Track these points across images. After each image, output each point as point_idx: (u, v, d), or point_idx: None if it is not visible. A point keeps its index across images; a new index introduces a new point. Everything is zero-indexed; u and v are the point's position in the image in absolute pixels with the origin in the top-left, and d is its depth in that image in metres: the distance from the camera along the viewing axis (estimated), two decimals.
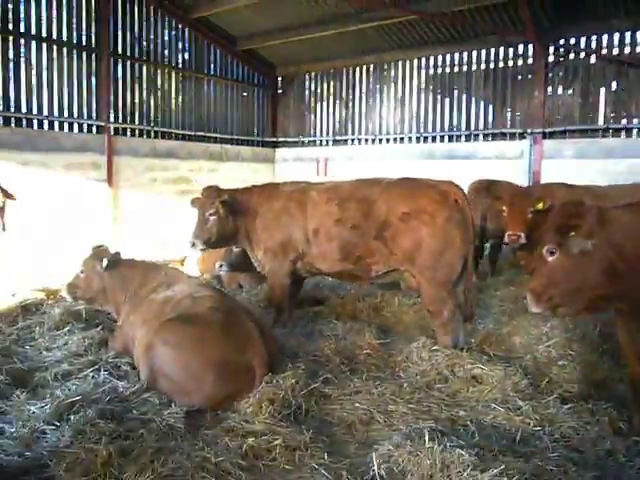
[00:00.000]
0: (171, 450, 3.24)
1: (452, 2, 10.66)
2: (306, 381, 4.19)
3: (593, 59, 10.79)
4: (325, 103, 14.96)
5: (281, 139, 15.58)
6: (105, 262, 5.30)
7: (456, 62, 12.65)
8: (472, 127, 12.56)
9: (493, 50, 12.02)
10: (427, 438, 3.09)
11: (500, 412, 3.89)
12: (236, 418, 3.80)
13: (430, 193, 5.12)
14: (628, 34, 10.26)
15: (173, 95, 12.99)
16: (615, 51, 10.52)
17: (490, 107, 12.35)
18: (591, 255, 3.06)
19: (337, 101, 14.74)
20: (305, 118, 15.33)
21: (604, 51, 10.63)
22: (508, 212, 6.52)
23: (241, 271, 7.31)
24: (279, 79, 15.70)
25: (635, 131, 10.40)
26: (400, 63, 13.55)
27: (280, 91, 15.66)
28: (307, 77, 15.18)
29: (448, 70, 12.79)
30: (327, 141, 14.95)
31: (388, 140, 13.96)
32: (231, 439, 3.48)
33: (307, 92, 15.28)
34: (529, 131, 11.35)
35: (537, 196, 6.48)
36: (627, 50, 10.37)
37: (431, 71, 13.14)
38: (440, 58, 12.88)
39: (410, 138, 13.56)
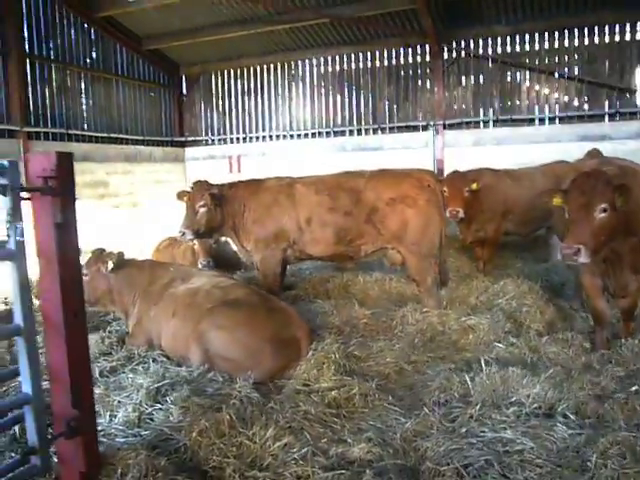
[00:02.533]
0: (275, 411, 3.78)
1: (361, 8, 11.70)
2: (342, 346, 4.88)
3: (482, 59, 12.49)
4: (234, 101, 15.32)
5: (190, 138, 15.68)
6: (111, 264, 5.49)
7: (361, 61, 13.73)
8: (379, 121, 13.75)
9: (395, 51, 13.27)
10: (484, 363, 3.98)
11: (501, 348, 4.89)
12: (295, 383, 4.37)
13: (410, 180, 6.02)
14: (508, 39, 12.06)
15: (83, 96, 12.60)
16: (499, 51, 12.29)
17: (395, 102, 13.62)
18: (626, 212, 4.00)
19: (246, 99, 15.18)
20: (214, 116, 15.58)
21: (490, 51, 12.37)
22: (448, 192, 7.59)
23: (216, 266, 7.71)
24: (184, 78, 15.73)
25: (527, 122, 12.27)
26: (307, 62, 14.35)
27: (185, 90, 15.70)
28: (214, 76, 15.41)
29: (354, 68, 13.83)
30: (238, 138, 15.35)
31: (299, 135, 14.72)
32: (312, 396, 4.08)
33: (214, 91, 15.50)
34: (432, 123, 12.80)
35: (471, 178, 7.65)
36: (508, 50, 12.20)
37: (338, 69, 14.09)
38: (345, 57, 13.88)
39: (321, 133, 14.45)
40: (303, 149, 14.45)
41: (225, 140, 15.48)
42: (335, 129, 14.25)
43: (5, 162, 2.35)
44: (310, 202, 6.17)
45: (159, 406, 3.81)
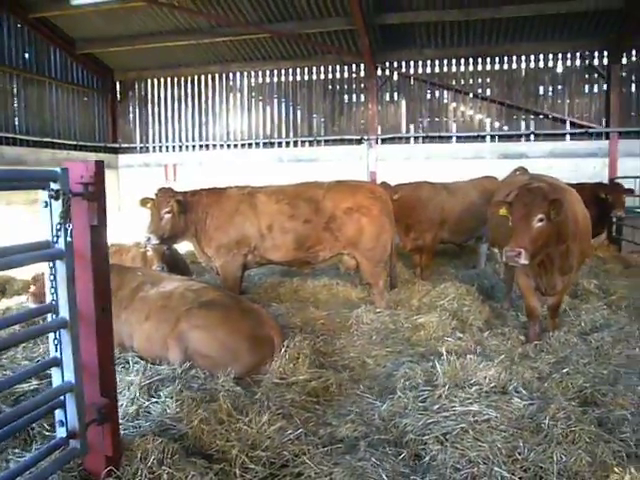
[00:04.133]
0: (263, 400, 4.13)
1: (302, 25, 12.26)
2: (310, 342, 5.30)
3: (412, 79, 13.46)
4: (171, 109, 15.32)
5: (124, 145, 15.47)
6: None
7: (298, 75, 14.26)
8: (315, 133, 14.32)
9: (331, 67, 13.93)
10: (445, 352, 4.55)
11: (450, 342, 5.47)
12: (271, 377, 4.72)
13: (364, 191, 6.58)
14: (437, 61, 13.13)
15: (15, 98, 12.19)
16: (428, 72, 13.33)
17: (331, 116, 14.25)
18: (558, 222, 4.75)
19: (183, 108, 15.23)
20: (150, 124, 15.49)
21: (420, 72, 13.38)
22: None
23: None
24: (117, 84, 15.52)
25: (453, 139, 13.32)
26: (246, 74, 14.68)
27: (119, 97, 15.50)
28: (150, 83, 15.34)
29: (292, 81, 14.34)
30: (174, 147, 15.35)
31: (236, 145, 14.98)
32: (293, 387, 4.46)
33: (150, 98, 15.43)
34: (365, 137, 13.54)
35: (394, 189, 8.25)
36: (437, 72, 13.30)
37: (276, 82, 14.52)
38: (283, 71, 14.35)
39: (258, 143, 14.79)
40: (240, 159, 14.70)
41: (161, 148, 15.43)
42: (272, 140, 14.64)
43: (58, 169, 2.60)
44: (271, 210, 6.56)
45: (154, 400, 4.05)
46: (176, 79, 15.16)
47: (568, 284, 5.65)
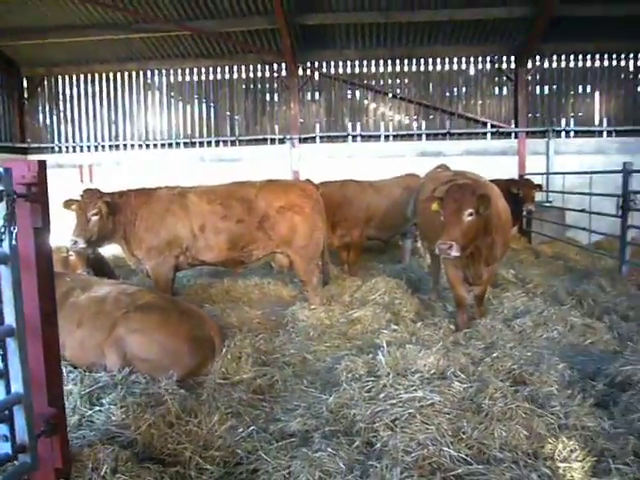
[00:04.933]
0: (210, 400, 4.11)
1: (223, 24, 12.14)
2: (251, 341, 5.31)
3: (333, 79, 13.74)
4: (85, 108, 14.60)
5: (34, 145, 14.55)
6: None
7: (219, 74, 14.08)
8: (237, 133, 14.20)
9: (252, 67, 13.88)
10: (385, 345, 4.72)
11: (386, 334, 5.68)
12: (215, 378, 4.70)
13: (296, 190, 6.66)
14: (357, 62, 13.54)
15: None
16: (349, 72, 13.68)
17: (253, 116, 14.19)
18: (485, 216, 5.04)
19: (99, 106, 14.57)
20: (62, 123, 14.67)
21: (340, 72, 13.70)
22: None
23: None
24: (25, 81, 14.58)
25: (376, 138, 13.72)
26: (164, 72, 14.27)
27: (27, 94, 14.56)
28: (61, 80, 14.53)
29: (212, 80, 14.14)
30: (89, 147, 14.65)
31: (156, 145, 14.51)
32: (238, 386, 4.46)
33: (62, 96, 14.62)
34: (288, 137, 13.61)
35: (316, 187, 8.42)
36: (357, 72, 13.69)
37: (196, 80, 14.24)
38: (204, 70, 14.11)
39: (178, 143, 14.42)
40: (160, 159, 14.28)
41: (75, 148, 14.66)
42: (193, 140, 14.35)
43: (0, 169, 2.46)
44: (203, 210, 6.48)
45: (97, 408, 3.91)
46: (90, 76, 14.44)
47: (492, 274, 6.04)
